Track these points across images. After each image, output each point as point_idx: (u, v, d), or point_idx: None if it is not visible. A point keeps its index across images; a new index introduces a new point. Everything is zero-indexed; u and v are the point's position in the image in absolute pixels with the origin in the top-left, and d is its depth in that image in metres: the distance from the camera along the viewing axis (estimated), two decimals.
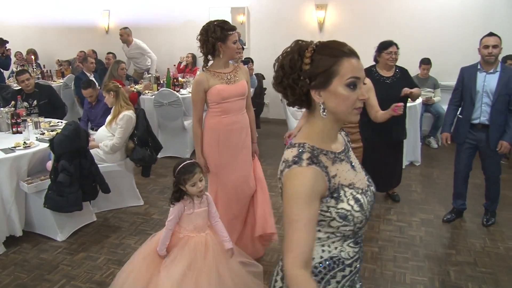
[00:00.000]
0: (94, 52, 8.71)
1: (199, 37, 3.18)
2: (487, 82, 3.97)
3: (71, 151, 3.81)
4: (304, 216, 1.33)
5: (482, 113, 4.02)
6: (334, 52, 1.41)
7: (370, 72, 4.31)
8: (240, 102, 3.29)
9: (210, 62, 3.27)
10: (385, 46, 4.28)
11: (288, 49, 1.47)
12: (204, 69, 3.25)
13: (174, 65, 7.24)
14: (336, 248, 1.48)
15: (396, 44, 4.31)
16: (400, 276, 3.49)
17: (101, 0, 9.20)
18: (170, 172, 5.45)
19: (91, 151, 4.18)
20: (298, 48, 1.43)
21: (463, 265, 3.64)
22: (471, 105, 4.05)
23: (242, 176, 3.42)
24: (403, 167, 5.89)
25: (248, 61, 5.47)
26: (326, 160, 1.42)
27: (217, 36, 3.09)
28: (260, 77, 7.18)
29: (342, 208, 1.42)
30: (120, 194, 4.57)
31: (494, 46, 3.88)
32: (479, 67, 4.04)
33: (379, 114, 3.84)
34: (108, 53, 7.87)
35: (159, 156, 4.82)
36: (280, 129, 7.51)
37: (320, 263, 1.48)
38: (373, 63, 4.48)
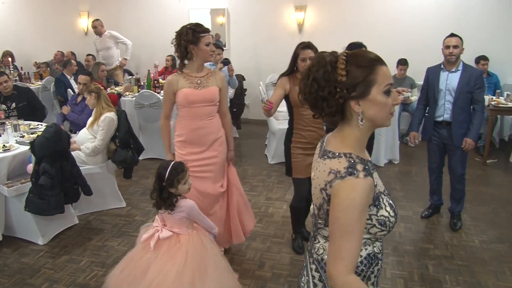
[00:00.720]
0: (73, 54, 8.64)
1: (173, 41, 3.21)
2: (449, 80, 4.11)
3: (52, 154, 3.79)
4: (359, 226, 1.38)
5: (445, 111, 4.15)
6: (368, 61, 1.43)
7: None
8: (208, 108, 3.29)
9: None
10: (355, 48, 4.32)
11: (315, 62, 1.46)
12: (178, 71, 3.29)
13: (155, 67, 7.23)
14: (369, 245, 1.53)
15: (365, 47, 4.35)
16: (381, 271, 3.56)
17: (79, 1, 9.12)
18: (152, 173, 5.49)
19: (73, 153, 4.16)
20: (329, 61, 1.43)
21: (441, 258, 3.73)
22: (435, 103, 4.18)
23: (207, 182, 3.39)
24: (382, 165, 6.03)
25: (228, 62, 5.51)
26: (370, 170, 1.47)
27: (189, 39, 3.12)
28: (241, 78, 7.22)
29: (381, 215, 1.48)
30: (102, 196, 4.55)
31: (455, 46, 4.02)
32: (442, 66, 4.19)
33: None
34: (88, 54, 7.82)
35: (140, 157, 4.81)
36: (260, 129, 7.57)
37: (360, 262, 1.52)
38: None
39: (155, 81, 6.36)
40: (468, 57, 6.17)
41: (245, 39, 8.08)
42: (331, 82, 1.41)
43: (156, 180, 2.73)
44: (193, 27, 3.15)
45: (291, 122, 3.62)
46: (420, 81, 7.21)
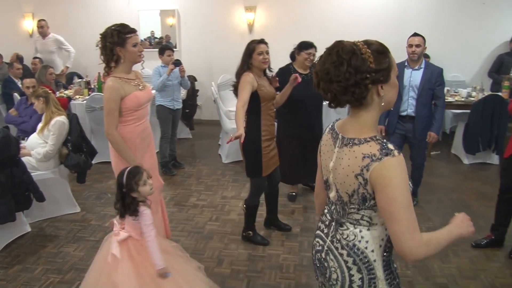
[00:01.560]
0: (18, 57, 8.32)
1: (98, 43, 3.07)
2: (413, 77, 4.38)
3: (1, 160, 3.69)
4: (410, 198, 1.49)
5: (409, 106, 4.44)
6: (384, 48, 1.56)
7: (288, 70, 4.47)
8: (147, 109, 3.30)
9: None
10: (306, 47, 4.46)
11: (345, 50, 1.51)
12: (112, 76, 3.07)
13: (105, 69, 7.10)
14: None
15: (315, 47, 4.50)
16: None
17: (23, 2, 8.81)
18: (105, 177, 5.46)
19: (23, 159, 4.06)
20: (354, 49, 1.51)
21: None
22: (400, 99, 4.41)
23: (155, 180, 3.31)
24: None
25: (179, 63, 5.51)
26: None
27: (114, 41, 2.98)
28: (192, 79, 7.23)
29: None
30: (56, 202, 4.46)
31: (417, 45, 4.29)
32: (406, 64, 4.44)
33: (278, 97, 3.87)
34: (34, 57, 7.56)
35: (93, 161, 4.74)
36: (213, 129, 7.61)
37: (388, 241, 1.62)
38: None
39: None
40: None
41: (195, 40, 8.09)
42: (364, 68, 1.49)
43: (117, 189, 2.71)
44: (118, 28, 3.02)
45: (257, 120, 3.58)
46: None
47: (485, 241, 3.94)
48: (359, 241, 1.62)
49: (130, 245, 2.70)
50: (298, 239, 4.07)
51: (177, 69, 5.54)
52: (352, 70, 1.48)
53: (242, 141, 3.23)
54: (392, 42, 5.16)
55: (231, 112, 6.73)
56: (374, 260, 1.62)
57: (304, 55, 4.43)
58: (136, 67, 3.26)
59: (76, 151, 4.37)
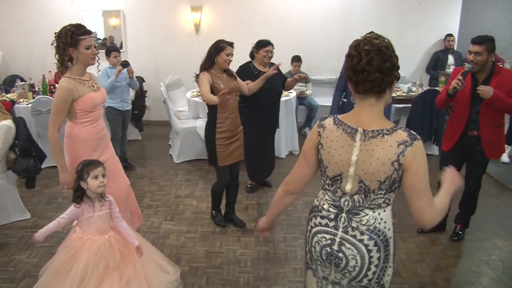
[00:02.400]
0: None
1: (53, 42, 3.04)
2: None
3: None
4: None
5: None
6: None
7: (248, 68, 4.67)
8: (102, 110, 3.30)
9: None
10: (264, 44, 4.67)
11: (385, 46, 1.71)
12: (66, 76, 3.03)
13: (50, 72, 6.87)
14: None
15: (272, 44, 4.69)
16: (291, 254, 3.83)
17: None
18: (55, 182, 5.33)
19: None
20: (390, 46, 1.73)
21: None
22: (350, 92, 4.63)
23: (117, 176, 3.39)
24: (284, 157, 6.38)
25: (127, 64, 5.46)
26: None
27: (67, 42, 2.94)
28: (140, 80, 7.16)
29: None
30: (4, 209, 4.31)
31: None
32: None
33: (250, 85, 4.23)
34: None
35: (42, 166, 4.62)
36: (162, 130, 7.58)
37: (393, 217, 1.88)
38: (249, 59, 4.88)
39: (51, 86, 6.10)
40: None
41: (142, 41, 7.99)
42: (396, 64, 1.72)
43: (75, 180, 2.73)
44: (72, 28, 2.97)
45: (213, 115, 3.89)
46: (313, 76, 7.78)
47: None
48: (379, 223, 1.79)
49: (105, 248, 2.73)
50: (254, 234, 4.17)
51: (125, 70, 5.49)
52: (392, 66, 1.70)
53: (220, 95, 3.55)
54: (337, 41, 5.41)
55: (180, 112, 6.75)
56: (390, 237, 1.82)
57: (263, 53, 4.64)
58: (92, 70, 3.25)
59: (25, 156, 4.24)
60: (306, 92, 7.52)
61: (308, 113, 7.63)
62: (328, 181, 1.86)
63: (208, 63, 3.89)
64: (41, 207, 4.78)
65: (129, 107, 5.77)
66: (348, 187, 1.79)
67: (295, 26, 7.90)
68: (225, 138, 3.91)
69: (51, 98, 5.70)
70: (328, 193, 1.89)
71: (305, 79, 4.88)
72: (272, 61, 4.81)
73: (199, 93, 6.46)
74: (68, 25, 3.02)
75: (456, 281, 3.50)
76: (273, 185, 5.30)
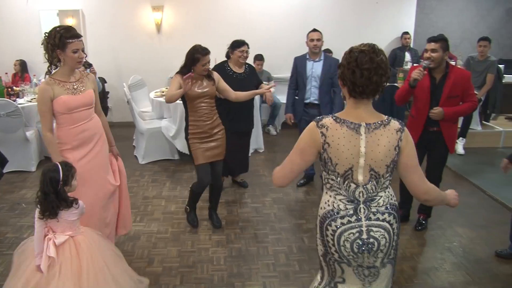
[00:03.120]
0: None
1: (43, 41, 3.04)
2: (314, 68, 4.86)
3: None
4: None
5: (312, 94, 4.93)
6: None
7: (223, 68, 4.66)
8: (88, 111, 3.22)
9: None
10: (238, 45, 4.67)
11: (383, 54, 1.95)
12: (48, 76, 3.08)
13: (6, 73, 6.64)
14: None
15: (247, 44, 4.71)
16: (263, 250, 3.89)
17: None
18: (17, 187, 5.21)
19: None
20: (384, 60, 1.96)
21: (313, 231, 4.17)
22: (304, 88, 4.91)
23: (100, 179, 3.36)
24: (249, 155, 6.42)
25: (90, 65, 5.37)
26: None
27: (55, 43, 2.95)
28: (102, 81, 7.04)
29: None
30: None
31: (318, 40, 4.79)
32: (307, 56, 4.92)
33: (240, 94, 4.15)
34: None
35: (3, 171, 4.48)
36: (125, 131, 7.46)
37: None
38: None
39: (9, 89, 5.91)
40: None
41: (102, 41, 7.83)
42: (389, 74, 1.98)
43: (47, 186, 2.63)
44: (61, 31, 2.97)
45: (186, 117, 4.01)
46: (275, 74, 7.88)
47: None
48: (392, 199, 2.06)
49: (72, 245, 2.68)
50: (224, 232, 4.21)
51: (87, 71, 5.38)
52: (387, 78, 1.95)
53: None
54: (297, 38, 5.50)
55: (144, 113, 6.69)
56: (397, 206, 2.10)
57: (238, 53, 4.63)
58: None
59: None
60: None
61: (271, 111, 7.72)
62: (339, 179, 2.00)
63: (185, 69, 3.81)
64: (3, 213, 4.63)
65: None
66: (360, 178, 1.98)
67: (256, 25, 7.97)
68: (197, 138, 3.95)
69: (10, 100, 5.55)
70: (341, 192, 2.02)
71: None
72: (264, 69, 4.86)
73: (163, 94, 6.47)
74: (58, 27, 3.03)
75: (422, 268, 3.66)
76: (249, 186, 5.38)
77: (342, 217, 2.00)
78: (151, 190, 5.22)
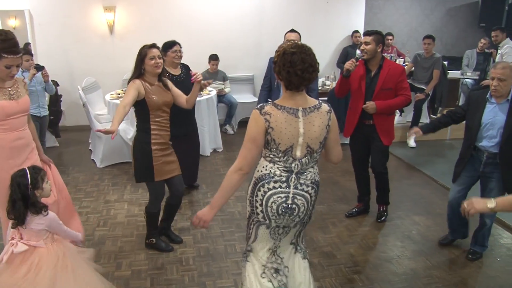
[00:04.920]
0: None
1: None
2: None
3: None
4: None
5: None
6: None
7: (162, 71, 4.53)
8: (24, 118, 3.12)
9: None
10: (170, 45, 4.50)
11: (310, 51, 2.24)
12: None
13: None
14: None
15: (179, 44, 4.59)
16: (231, 248, 3.94)
17: None
18: None
19: None
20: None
21: None
22: (277, 90, 4.74)
23: None
24: (208, 154, 6.46)
25: (41, 67, 5.20)
26: None
27: None
28: (54, 84, 6.83)
29: None
30: None
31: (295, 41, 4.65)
32: None
33: (189, 98, 3.82)
34: None
35: None
36: (80, 135, 7.32)
37: None
38: None
39: None
40: (267, 50, 6.99)
41: (53, 43, 7.54)
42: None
43: (16, 191, 2.56)
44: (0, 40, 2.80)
45: (145, 127, 3.56)
46: (230, 74, 7.93)
47: (356, 210, 4.55)
48: (316, 176, 2.43)
49: (36, 257, 2.62)
50: (190, 232, 4.23)
51: (39, 74, 5.24)
52: (316, 63, 2.27)
53: (112, 138, 3.23)
54: (252, 39, 5.57)
55: (100, 115, 6.57)
56: (319, 183, 2.47)
57: (171, 54, 4.48)
58: None
59: None
60: (224, 90, 7.64)
61: (228, 110, 7.76)
62: (280, 154, 2.30)
63: (136, 73, 3.53)
64: None
65: (46, 112, 5.54)
66: (298, 153, 2.30)
67: (211, 25, 7.98)
68: (160, 150, 3.60)
69: None
70: (279, 163, 2.32)
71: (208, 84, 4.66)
72: (188, 61, 4.79)
73: (119, 96, 6.37)
74: (2, 31, 2.86)
75: (385, 256, 3.84)
76: (200, 183, 5.40)
77: (275, 182, 2.31)
78: (112, 194, 5.14)
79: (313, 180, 2.37)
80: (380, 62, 4.04)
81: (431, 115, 7.64)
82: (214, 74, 7.59)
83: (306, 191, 2.35)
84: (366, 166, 4.43)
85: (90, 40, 7.66)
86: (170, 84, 3.74)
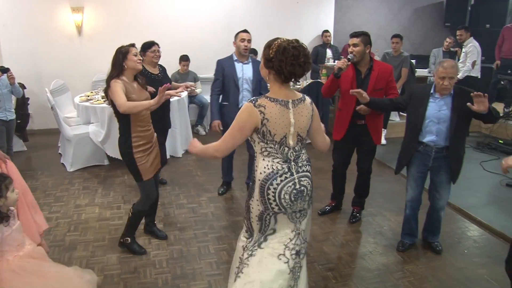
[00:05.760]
0: None
1: None
2: (245, 71, 4.71)
3: None
4: None
5: (244, 97, 4.72)
6: None
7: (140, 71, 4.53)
8: None
9: None
10: (149, 46, 4.54)
11: (302, 45, 2.35)
12: None
13: None
14: None
15: (157, 44, 4.61)
16: (204, 249, 3.93)
17: None
18: None
19: None
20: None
21: None
22: (236, 91, 4.70)
23: None
24: (180, 156, 6.43)
25: (6, 69, 5.07)
26: None
27: None
28: (21, 87, 6.67)
29: None
30: None
31: (249, 40, 4.63)
32: (235, 58, 4.72)
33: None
34: None
35: None
36: (49, 139, 7.18)
37: None
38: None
39: None
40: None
41: (19, 44, 7.36)
42: None
43: None
44: None
45: (126, 128, 3.53)
46: (201, 75, 7.90)
47: (329, 207, 4.59)
48: (306, 154, 2.56)
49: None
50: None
51: (4, 76, 5.11)
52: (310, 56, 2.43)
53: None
54: (222, 39, 5.57)
55: (69, 118, 6.45)
56: (310, 159, 2.62)
57: (150, 54, 4.52)
58: None
59: None
60: (196, 90, 7.61)
61: (199, 111, 7.75)
62: (276, 146, 2.43)
63: (116, 72, 3.48)
64: None
65: (13, 116, 5.39)
66: (291, 142, 2.45)
67: (181, 26, 7.95)
68: (142, 151, 3.57)
69: None
70: (277, 156, 2.44)
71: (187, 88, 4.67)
72: (160, 62, 4.78)
73: (89, 98, 6.28)
74: None
75: (357, 253, 3.90)
76: (172, 184, 5.40)
77: (280, 175, 2.42)
78: (83, 198, 5.06)
79: (307, 159, 2.55)
80: (370, 63, 4.05)
81: (401, 113, 7.79)
82: (185, 75, 7.56)
83: (307, 170, 2.52)
84: (347, 166, 4.45)
85: (58, 42, 7.52)
86: (144, 82, 3.76)
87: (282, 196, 2.43)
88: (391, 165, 6.00)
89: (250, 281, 2.47)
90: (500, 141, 6.71)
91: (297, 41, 2.35)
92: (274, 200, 2.43)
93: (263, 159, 2.45)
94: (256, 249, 2.53)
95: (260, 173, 2.44)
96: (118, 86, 3.39)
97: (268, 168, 2.43)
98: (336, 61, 7.53)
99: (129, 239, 3.88)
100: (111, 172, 5.85)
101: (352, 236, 4.18)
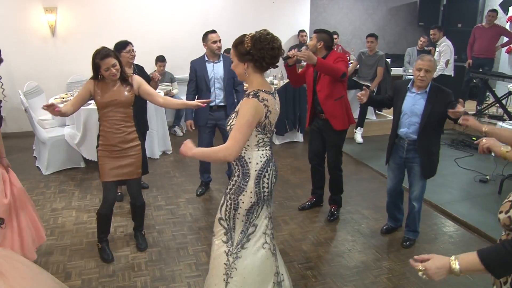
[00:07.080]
0: None
1: None
2: (216, 70, 4.72)
3: None
4: None
5: (217, 97, 4.75)
6: None
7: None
8: None
9: None
10: (123, 46, 4.47)
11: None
12: None
13: None
14: None
15: (131, 43, 4.55)
16: (183, 251, 3.91)
17: None
18: None
19: None
20: None
21: None
22: (208, 91, 4.72)
23: None
24: (158, 157, 6.39)
25: None
26: None
27: None
28: None
29: None
30: None
31: (220, 41, 4.68)
32: (206, 58, 4.75)
33: (170, 101, 3.81)
34: None
35: None
36: (23, 142, 7.05)
37: None
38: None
39: None
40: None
41: None
42: None
43: None
44: None
45: (99, 127, 3.59)
46: (178, 75, 7.85)
47: (309, 203, 4.66)
48: None
49: None
50: None
51: None
52: None
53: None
54: (199, 39, 5.55)
55: (44, 121, 6.33)
56: None
57: (125, 54, 4.45)
58: None
59: None
60: (172, 91, 7.57)
61: (176, 112, 7.70)
62: (269, 134, 2.53)
63: (94, 75, 3.46)
64: None
65: None
66: (273, 127, 2.55)
67: (156, 26, 7.89)
68: (107, 151, 3.54)
69: None
70: (267, 141, 2.53)
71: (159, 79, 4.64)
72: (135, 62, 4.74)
73: (64, 100, 6.18)
74: None
75: (336, 251, 3.93)
76: (150, 186, 5.38)
77: (270, 160, 2.54)
78: (59, 201, 4.98)
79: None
80: (325, 54, 4.13)
81: (377, 111, 7.89)
82: (161, 75, 7.49)
83: (272, 148, 2.63)
84: (322, 161, 4.52)
85: (31, 42, 7.36)
86: (137, 81, 3.57)
87: (272, 180, 2.55)
88: (368, 163, 6.08)
89: (244, 281, 2.57)
90: (473, 138, 6.85)
91: (264, 30, 2.42)
92: (268, 187, 2.52)
93: (257, 150, 2.50)
94: (240, 251, 2.56)
95: (257, 163, 2.48)
96: (85, 85, 3.48)
97: (264, 157, 2.51)
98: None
99: (99, 244, 3.84)
100: (87, 175, 5.78)
101: (331, 234, 4.22)
